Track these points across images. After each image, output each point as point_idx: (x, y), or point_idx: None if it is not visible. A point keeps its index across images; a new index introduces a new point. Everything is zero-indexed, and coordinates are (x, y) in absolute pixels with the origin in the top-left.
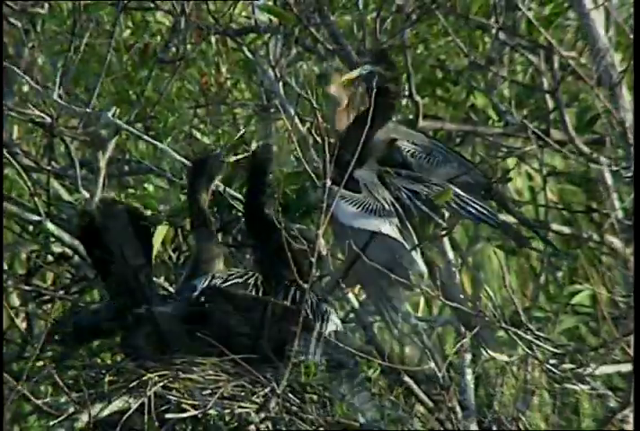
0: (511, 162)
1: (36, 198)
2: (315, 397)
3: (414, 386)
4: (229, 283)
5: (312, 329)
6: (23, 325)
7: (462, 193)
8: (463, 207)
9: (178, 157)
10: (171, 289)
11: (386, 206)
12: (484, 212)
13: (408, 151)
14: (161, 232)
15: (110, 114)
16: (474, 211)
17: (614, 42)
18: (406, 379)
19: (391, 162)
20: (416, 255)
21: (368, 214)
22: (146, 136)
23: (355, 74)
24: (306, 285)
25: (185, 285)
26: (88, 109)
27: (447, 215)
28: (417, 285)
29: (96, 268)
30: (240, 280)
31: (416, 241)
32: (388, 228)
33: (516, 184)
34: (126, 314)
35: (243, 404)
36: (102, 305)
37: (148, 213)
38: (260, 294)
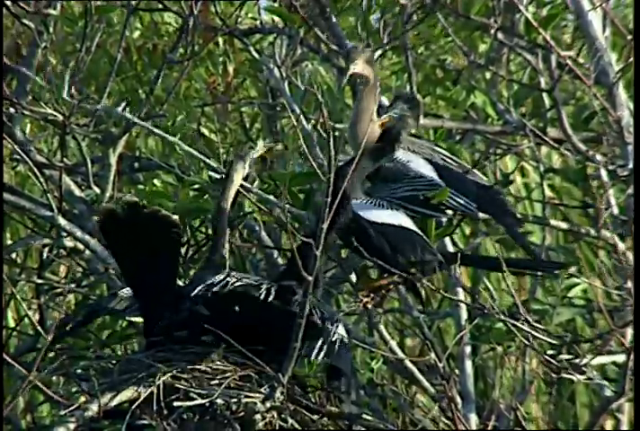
0: (509, 160)
1: (48, 194)
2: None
3: (417, 374)
4: (242, 283)
5: (320, 332)
6: (36, 317)
7: (443, 184)
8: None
9: (187, 148)
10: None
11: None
12: (462, 202)
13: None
14: None
15: (120, 109)
16: (455, 204)
17: (610, 42)
18: (409, 365)
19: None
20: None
21: (385, 210)
22: (157, 130)
23: (386, 118)
24: (309, 278)
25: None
26: (100, 106)
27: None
28: (420, 279)
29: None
30: (254, 282)
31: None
32: (409, 222)
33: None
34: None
35: (249, 394)
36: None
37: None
38: (270, 298)
